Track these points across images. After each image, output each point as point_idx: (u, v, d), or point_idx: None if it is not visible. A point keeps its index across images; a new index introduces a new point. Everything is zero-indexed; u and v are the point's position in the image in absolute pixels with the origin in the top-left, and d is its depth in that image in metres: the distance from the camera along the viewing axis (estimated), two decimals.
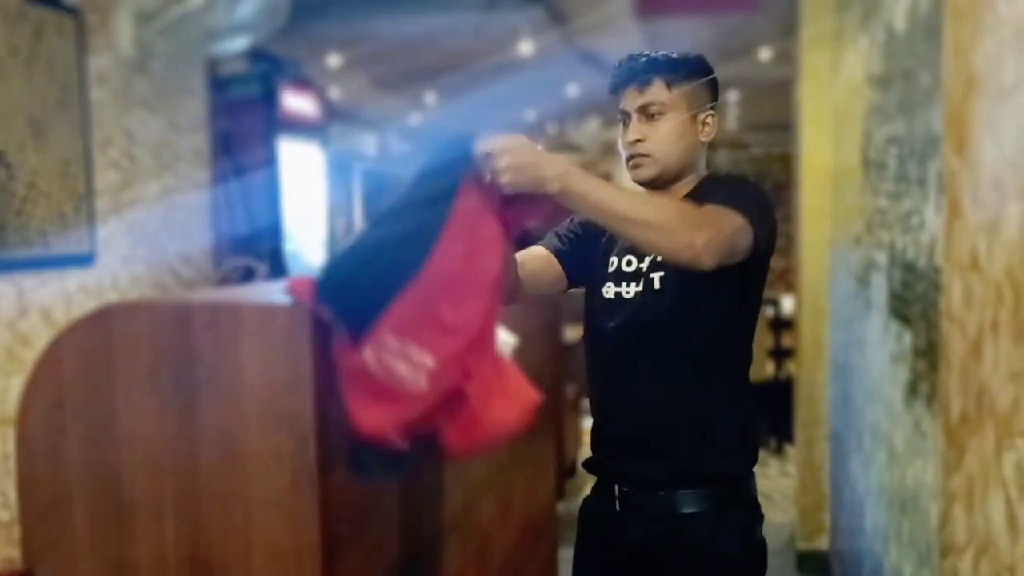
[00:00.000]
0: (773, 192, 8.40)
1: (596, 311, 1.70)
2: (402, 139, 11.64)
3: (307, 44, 5.88)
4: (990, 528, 1.04)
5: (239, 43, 3.66)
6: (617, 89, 1.63)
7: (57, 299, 2.92)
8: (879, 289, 2.78)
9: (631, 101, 1.60)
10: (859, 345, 3.16)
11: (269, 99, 4.85)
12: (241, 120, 4.69)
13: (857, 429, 3.17)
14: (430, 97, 9.09)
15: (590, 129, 10.03)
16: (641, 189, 1.64)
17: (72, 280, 3.00)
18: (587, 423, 5.88)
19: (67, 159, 2.91)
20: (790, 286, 6.89)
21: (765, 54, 7.01)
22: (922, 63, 2.03)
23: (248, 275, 4.49)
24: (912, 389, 2.28)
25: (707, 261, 1.33)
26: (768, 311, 6.39)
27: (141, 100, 3.37)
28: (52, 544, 1.69)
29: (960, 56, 1.23)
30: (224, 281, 4.18)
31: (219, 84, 4.56)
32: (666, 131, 1.55)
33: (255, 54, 4.52)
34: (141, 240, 3.36)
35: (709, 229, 1.34)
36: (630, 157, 1.61)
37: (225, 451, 1.61)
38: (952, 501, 1.24)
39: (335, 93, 8.20)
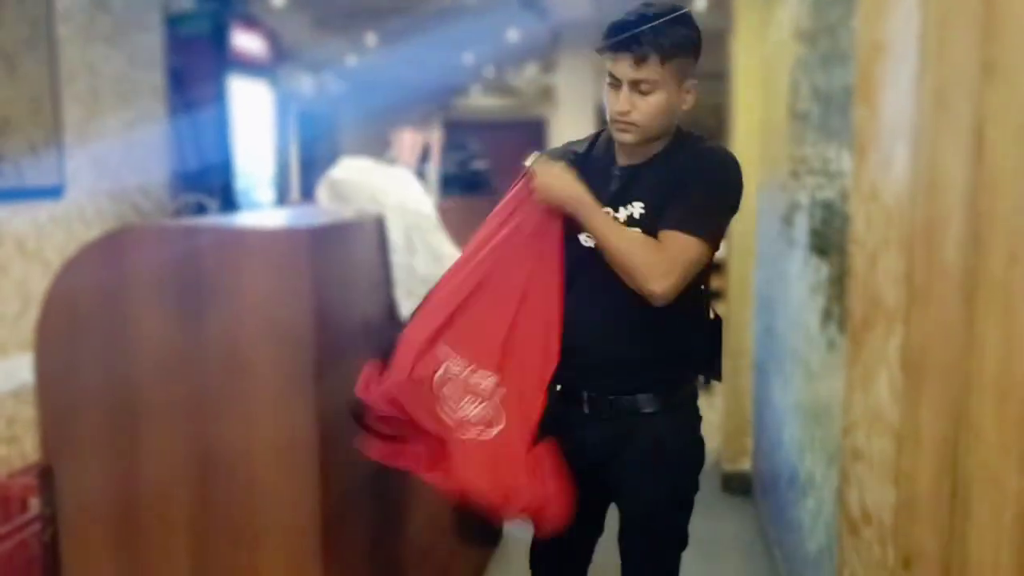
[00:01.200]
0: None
1: (574, 257, 1.80)
2: (339, 80, 11.61)
3: None
4: (878, 402, 1.31)
5: None
6: (611, 52, 1.65)
7: (29, 229, 3.03)
8: (801, 228, 3.07)
9: (623, 70, 1.63)
10: (782, 280, 3.47)
11: (218, 37, 4.91)
12: (191, 58, 4.75)
13: (778, 356, 3.49)
14: (371, 39, 9.12)
15: (528, 74, 10.18)
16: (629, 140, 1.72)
17: (43, 212, 3.11)
18: None
19: (36, 94, 3.00)
20: None
21: (700, 3, 7.23)
22: (841, 23, 2.29)
23: (200, 210, 4.61)
24: (827, 313, 2.59)
25: (661, 302, 1.60)
26: None
27: (103, 36, 3.45)
28: (69, 443, 1.89)
29: (869, 23, 1.47)
30: (178, 215, 4.30)
31: (170, 22, 4.61)
32: (655, 105, 1.62)
33: None
34: (104, 173, 3.46)
35: (671, 277, 1.59)
36: (616, 121, 1.69)
37: (228, 359, 1.82)
38: (853, 390, 1.52)
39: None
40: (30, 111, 2.98)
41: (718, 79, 6.45)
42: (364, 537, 2.13)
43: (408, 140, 2.80)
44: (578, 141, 1.88)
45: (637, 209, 1.69)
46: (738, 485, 4.35)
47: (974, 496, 1.17)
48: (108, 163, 3.49)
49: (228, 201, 4.90)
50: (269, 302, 1.79)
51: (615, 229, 1.66)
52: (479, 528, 1.87)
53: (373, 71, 10.51)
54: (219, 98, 4.83)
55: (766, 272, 3.97)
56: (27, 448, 3.02)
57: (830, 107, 2.55)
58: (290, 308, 1.78)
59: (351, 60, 10.77)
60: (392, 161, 2.94)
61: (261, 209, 5.19)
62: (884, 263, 1.29)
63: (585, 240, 1.74)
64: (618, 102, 1.64)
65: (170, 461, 1.85)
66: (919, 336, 1.16)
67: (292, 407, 1.80)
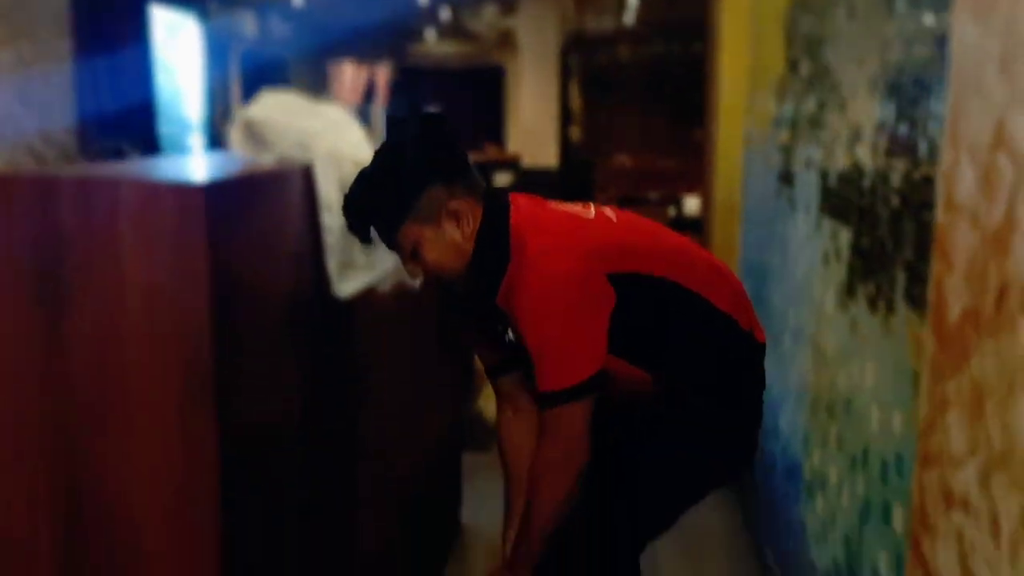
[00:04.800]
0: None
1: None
2: (284, 22, 10.92)
3: None
4: (1012, 438, 0.91)
5: None
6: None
7: None
8: (808, 187, 2.67)
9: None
10: (780, 246, 3.08)
11: None
12: None
13: (774, 331, 3.11)
14: None
15: (487, 16, 9.61)
16: None
17: None
18: None
19: None
20: (691, 187, 6.85)
21: None
22: None
23: (118, 157, 4.07)
24: (849, 289, 2.19)
25: (582, 455, 1.46)
26: (670, 212, 6.36)
27: None
28: None
29: None
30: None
31: None
32: (432, 259, 1.52)
33: None
34: None
35: (569, 452, 1.45)
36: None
37: (99, 365, 1.35)
38: (939, 412, 1.12)
39: None
40: None
41: (686, 29, 6.00)
42: None
43: (349, 75, 2.33)
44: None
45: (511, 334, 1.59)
46: None
47: None
48: None
49: (150, 148, 4.36)
50: (152, 283, 1.32)
51: (535, 525, 1.52)
52: None
53: (321, 12, 9.84)
54: (138, 31, 4.26)
55: (756, 235, 3.57)
56: None
57: (850, 57, 2.13)
58: (181, 291, 1.32)
59: (298, 0, 10.10)
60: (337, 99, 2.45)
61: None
62: None
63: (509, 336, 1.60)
64: (410, 271, 1.57)
65: (26, 506, 1.39)
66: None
67: (185, 433, 1.34)
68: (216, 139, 5.24)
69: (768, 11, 3.33)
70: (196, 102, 4.90)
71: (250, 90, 10.76)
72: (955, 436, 1.10)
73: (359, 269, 1.95)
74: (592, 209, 1.59)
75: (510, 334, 1.58)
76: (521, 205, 1.54)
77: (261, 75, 10.43)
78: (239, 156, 1.80)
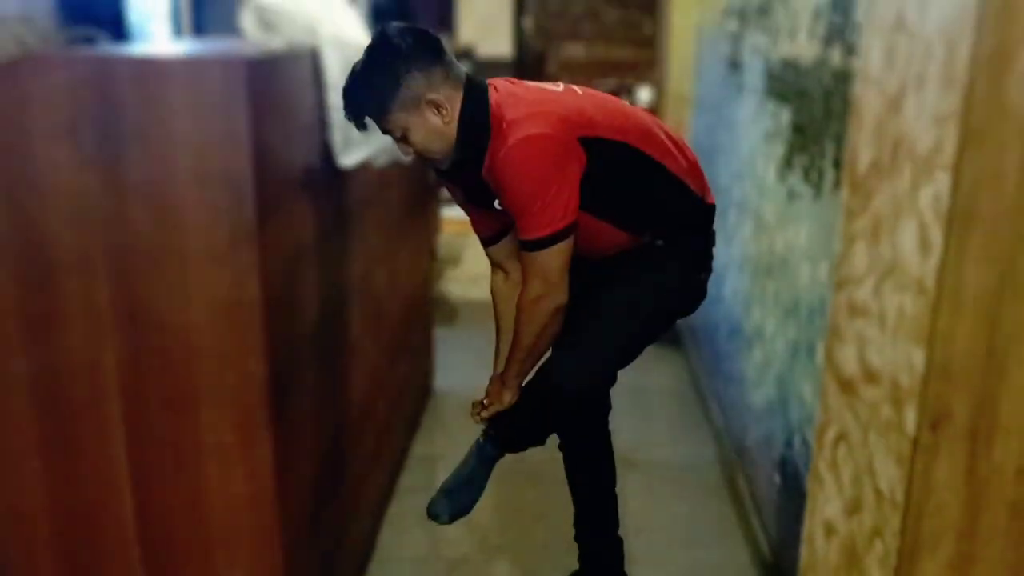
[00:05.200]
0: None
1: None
2: None
3: None
4: (898, 255, 1.22)
5: None
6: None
7: None
8: (754, 72, 2.93)
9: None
10: (728, 128, 3.35)
11: None
12: None
13: (721, 207, 3.42)
14: None
15: None
16: None
17: None
18: (445, 211, 5.88)
19: None
20: (643, 77, 7.05)
21: None
22: None
23: (88, 43, 4.16)
24: (787, 162, 2.49)
25: (561, 296, 1.69)
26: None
27: None
28: None
29: None
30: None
31: None
32: (420, 141, 1.66)
33: None
34: None
35: (548, 288, 1.69)
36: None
37: (156, 209, 1.60)
38: (853, 242, 1.42)
39: None
40: None
41: None
42: (309, 398, 1.99)
43: None
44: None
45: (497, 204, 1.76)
46: (665, 336, 4.36)
47: (1011, 357, 1.10)
48: None
49: (119, 35, 4.43)
50: (201, 143, 1.56)
51: (519, 347, 1.77)
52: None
53: None
54: None
55: (706, 119, 3.84)
56: None
57: None
58: (227, 149, 1.56)
59: None
60: None
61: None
62: (916, 103, 1.16)
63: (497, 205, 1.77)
64: (403, 151, 1.71)
65: (93, 324, 1.65)
66: (968, 183, 1.05)
67: (232, 260, 1.61)
68: (178, 27, 5.29)
69: None
70: None
71: None
72: (859, 261, 1.41)
73: (358, 144, 2.19)
74: (561, 85, 1.83)
75: (497, 204, 1.75)
76: (499, 86, 1.77)
77: None
78: (250, 39, 2.01)
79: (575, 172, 1.66)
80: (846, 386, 1.45)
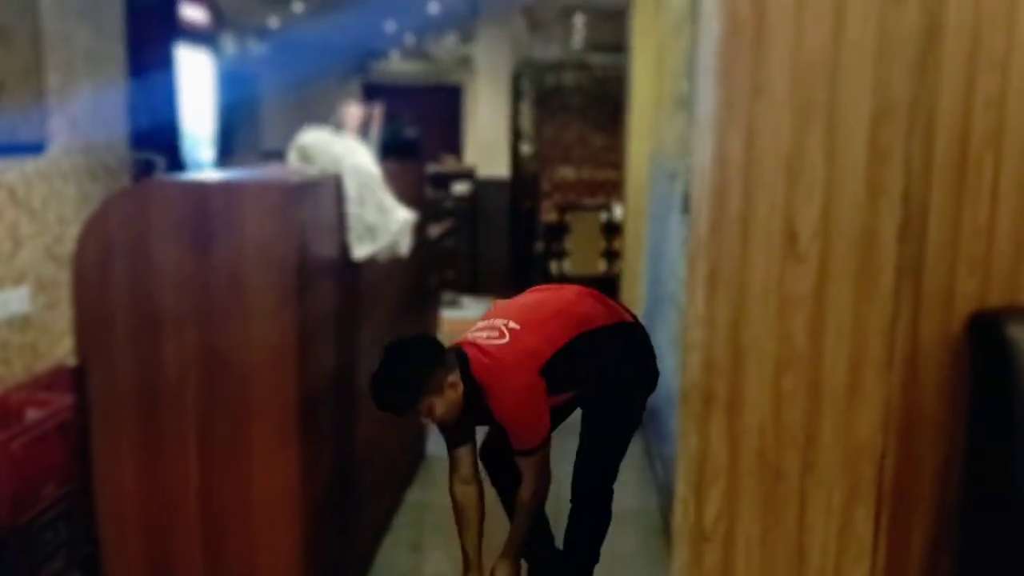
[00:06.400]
0: (612, 117, 9.31)
1: None
2: (261, 43, 11.84)
3: None
4: (696, 303, 1.97)
5: None
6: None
7: (18, 180, 3.48)
8: (677, 191, 3.75)
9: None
10: (665, 236, 4.15)
11: (167, 7, 5.32)
12: (142, 27, 5.15)
13: (661, 300, 4.18)
14: (297, 6, 9.48)
15: (447, 43, 10.64)
16: None
17: (29, 165, 3.55)
18: (445, 312, 6.70)
19: (26, 63, 3.44)
20: (620, 195, 7.95)
21: None
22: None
23: (148, 166, 5.06)
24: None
25: (548, 481, 2.27)
26: (602, 216, 7.40)
27: (76, 11, 3.88)
28: (99, 348, 2.42)
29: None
30: (135, 171, 4.75)
31: None
32: (441, 415, 2.18)
33: None
34: (77, 133, 3.91)
35: (542, 481, 2.26)
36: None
37: (231, 281, 2.38)
38: (691, 301, 2.17)
39: None
40: (21, 77, 3.42)
41: (620, 53, 7.00)
42: (326, 424, 2.72)
43: (354, 112, 3.35)
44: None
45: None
46: None
47: (748, 358, 1.84)
48: (80, 124, 3.93)
49: (175, 159, 5.34)
50: (264, 239, 2.35)
51: (520, 531, 2.32)
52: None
53: (294, 33, 10.80)
54: (166, 64, 5.25)
55: (655, 229, 4.65)
56: (17, 370, 3.49)
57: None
58: (280, 244, 2.35)
59: (273, 22, 11.02)
60: (339, 127, 3.48)
61: (204, 167, 5.63)
62: (702, 213, 1.94)
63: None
64: (424, 422, 2.21)
65: (183, 359, 2.41)
66: (714, 260, 1.81)
67: (280, 317, 2.38)
68: (222, 153, 6.24)
69: (671, 44, 4.32)
70: (207, 120, 5.89)
71: (230, 109, 11.57)
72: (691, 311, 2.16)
73: (367, 242, 2.98)
74: (503, 330, 2.29)
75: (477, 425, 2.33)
76: (471, 356, 2.24)
77: (238, 92, 11.28)
78: (295, 168, 2.83)
79: (543, 396, 2.25)
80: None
